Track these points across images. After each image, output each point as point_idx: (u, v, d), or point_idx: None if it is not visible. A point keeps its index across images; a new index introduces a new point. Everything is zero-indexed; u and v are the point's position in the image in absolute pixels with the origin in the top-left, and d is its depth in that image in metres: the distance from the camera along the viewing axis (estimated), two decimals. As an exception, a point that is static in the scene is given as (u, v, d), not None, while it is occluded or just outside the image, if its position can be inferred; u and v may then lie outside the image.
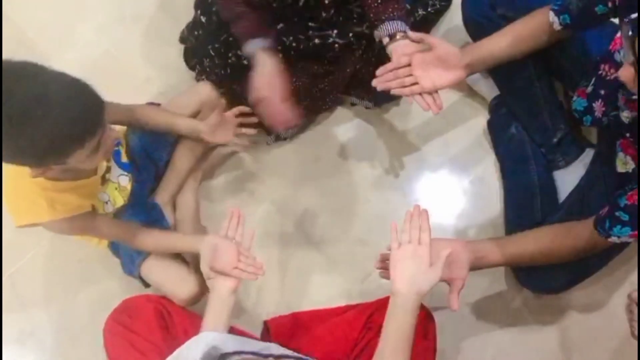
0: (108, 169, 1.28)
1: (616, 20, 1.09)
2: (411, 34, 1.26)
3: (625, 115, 1.10)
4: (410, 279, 1.05)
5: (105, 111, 0.99)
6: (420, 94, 1.24)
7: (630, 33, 0.86)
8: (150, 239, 1.28)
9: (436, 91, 1.25)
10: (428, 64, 1.22)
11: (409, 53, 1.24)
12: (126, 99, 1.32)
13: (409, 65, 1.23)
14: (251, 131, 1.40)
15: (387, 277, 1.17)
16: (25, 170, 1.01)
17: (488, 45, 1.26)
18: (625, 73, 0.91)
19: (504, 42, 1.25)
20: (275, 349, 1.07)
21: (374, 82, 1.25)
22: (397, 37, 1.26)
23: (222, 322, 1.15)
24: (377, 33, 1.29)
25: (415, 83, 1.23)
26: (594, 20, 1.12)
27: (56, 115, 0.90)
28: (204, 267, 1.19)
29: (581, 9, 1.11)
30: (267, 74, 1.28)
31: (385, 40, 1.27)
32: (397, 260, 1.08)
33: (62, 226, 1.15)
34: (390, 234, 1.12)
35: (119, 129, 1.36)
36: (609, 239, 1.09)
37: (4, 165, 0.96)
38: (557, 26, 1.17)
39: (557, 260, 1.19)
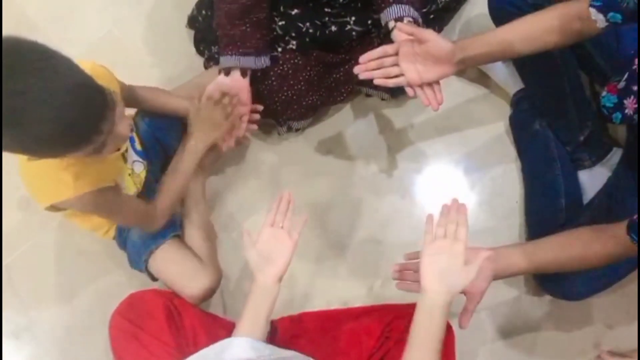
0: (126, 149, 1.24)
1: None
2: (402, 25, 1.18)
3: (662, 113, 1.03)
4: (441, 276, 0.97)
5: (107, 120, 0.94)
6: (420, 86, 1.16)
7: None
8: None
9: (437, 82, 1.16)
10: (416, 56, 1.14)
11: (397, 42, 1.17)
12: (131, 81, 1.27)
13: (396, 54, 1.16)
14: (253, 127, 1.38)
15: (404, 288, 1.11)
16: None
17: (486, 43, 1.15)
18: None
19: (504, 40, 1.14)
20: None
21: (356, 70, 1.18)
22: (404, 21, 1.19)
23: (262, 317, 1.04)
24: (384, 16, 1.23)
25: (401, 74, 1.16)
26: None
27: (52, 118, 0.85)
28: (250, 252, 1.07)
29: (638, 3, 1.00)
30: (232, 86, 1.31)
31: (392, 24, 1.21)
32: (429, 254, 1.00)
33: (86, 202, 1.09)
34: (425, 225, 1.04)
35: (127, 112, 1.31)
36: (643, 247, 1.03)
37: None
38: (601, 24, 1.07)
39: (587, 267, 1.12)
